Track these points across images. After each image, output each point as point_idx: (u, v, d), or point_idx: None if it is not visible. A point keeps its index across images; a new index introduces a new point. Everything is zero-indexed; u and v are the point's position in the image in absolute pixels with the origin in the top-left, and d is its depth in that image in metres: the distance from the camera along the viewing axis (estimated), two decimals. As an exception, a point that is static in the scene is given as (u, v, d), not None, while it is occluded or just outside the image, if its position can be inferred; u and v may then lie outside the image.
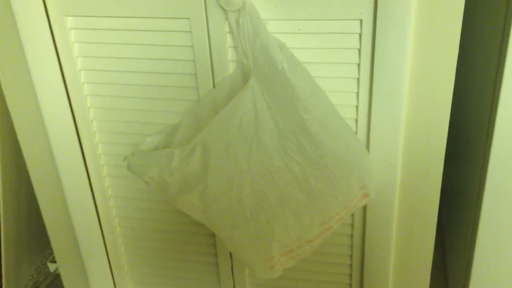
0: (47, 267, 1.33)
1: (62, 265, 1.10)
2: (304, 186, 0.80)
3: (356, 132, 0.82)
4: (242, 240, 0.85)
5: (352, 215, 0.90)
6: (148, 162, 0.86)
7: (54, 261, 1.28)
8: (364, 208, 0.88)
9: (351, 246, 0.93)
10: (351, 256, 0.94)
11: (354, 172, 0.80)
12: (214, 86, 0.82)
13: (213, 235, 0.98)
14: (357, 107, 0.80)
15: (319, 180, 0.79)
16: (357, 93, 0.79)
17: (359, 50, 0.75)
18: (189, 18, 0.77)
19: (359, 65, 0.76)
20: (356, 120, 0.81)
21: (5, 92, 0.91)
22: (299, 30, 0.76)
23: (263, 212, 0.82)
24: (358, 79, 0.78)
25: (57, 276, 1.29)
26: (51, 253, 1.30)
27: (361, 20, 0.73)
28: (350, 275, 0.97)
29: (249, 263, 0.88)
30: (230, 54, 0.79)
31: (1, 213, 1.13)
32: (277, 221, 0.82)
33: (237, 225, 0.84)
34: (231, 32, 0.77)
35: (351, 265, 0.95)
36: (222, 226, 0.86)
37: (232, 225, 0.85)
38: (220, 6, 0.74)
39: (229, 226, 0.85)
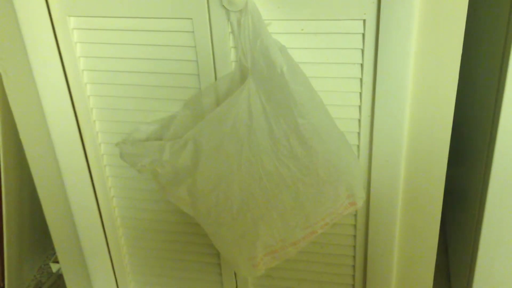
0: (50, 268, 1.33)
1: (64, 265, 1.10)
2: (292, 190, 0.80)
3: (359, 132, 0.82)
4: (227, 237, 0.86)
5: (355, 215, 0.90)
6: (141, 152, 0.86)
7: (56, 262, 1.28)
8: (367, 209, 0.87)
9: (354, 246, 0.93)
10: (354, 256, 0.94)
11: (343, 179, 0.80)
12: (216, 86, 0.83)
13: (215, 236, 0.98)
14: (360, 107, 0.80)
15: (308, 185, 0.79)
16: (360, 93, 0.79)
17: (362, 50, 0.75)
18: (191, 19, 0.77)
19: (362, 65, 0.76)
20: (359, 120, 0.81)
21: (8, 92, 0.91)
22: (301, 30, 0.75)
23: (250, 212, 0.82)
24: (361, 79, 0.77)
25: (59, 277, 1.29)
26: (54, 253, 1.31)
27: (364, 20, 0.73)
28: (353, 276, 0.97)
29: (233, 260, 0.88)
30: (233, 54, 0.79)
31: (4, 213, 1.13)
32: (262, 222, 0.82)
33: (223, 222, 0.84)
34: (232, 32, 0.77)
35: (354, 266, 0.95)
36: (209, 222, 0.86)
37: (218, 222, 0.85)
38: (223, 6, 0.74)
39: (215, 223, 0.85)
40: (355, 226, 0.91)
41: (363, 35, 0.74)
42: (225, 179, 0.82)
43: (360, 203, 0.82)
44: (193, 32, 0.78)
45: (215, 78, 0.81)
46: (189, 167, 0.83)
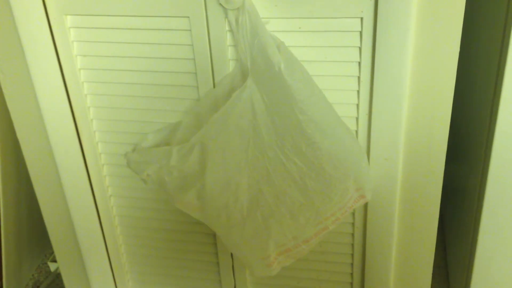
0: (48, 267, 1.33)
1: (62, 264, 1.10)
2: (301, 186, 0.80)
3: (357, 131, 0.82)
4: (239, 238, 0.86)
5: (353, 214, 0.89)
6: (147, 159, 0.86)
7: (54, 261, 1.28)
8: (365, 207, 0.87)
9: (352, 245, 0.93)
10: (352, 255, 0.94)
11: (351, 173, 0.79)
12: (214, 85, 0.82)
13: (213, 234, 0.98)
14: (357, 105, 0.80)
15: (315, 180, 0.79)
16: (358, 91, 0.78)
17: (360, 48, 0.75)
18: (188, 17, 0.77)
19: (359, 63, 0.76)
20: (357, 119, 0.81)
21: (5, 92, 0.91)
22: (299, 28, 0.75)
23: (260, 210, 0.82)
24: (358, 77, 0.77)
25: (57, 276, 1.29)
26: (52, 252, 1.31)
27: (361, 18, 0.73)
28: (351, 274, 0.97)
29: (247, 261, 0.88)
30: (230, 52, 0.79)
31: (2, 212, 1.12)
32: (273, 220, 0.82)
33: (234, 224, 0.84)
34: (231, 30, 0.76)
35: (352, 264, 0.95)
36: (220, 224, 0.86)
37: (229, 224, 0.85)
38: (220, 4, 0.74)
39: (226, 225, 0.85)
40: (353, 224, 0.91)
41: (361, 33, 0.74)
42: (233, 179, 0.82)
43: (369, 195, 0.82)
44: (190, 30, 0.78)
45: (212, 76, 0.81)
46: (197, 171, 0.83)
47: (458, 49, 0.73)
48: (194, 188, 0.84)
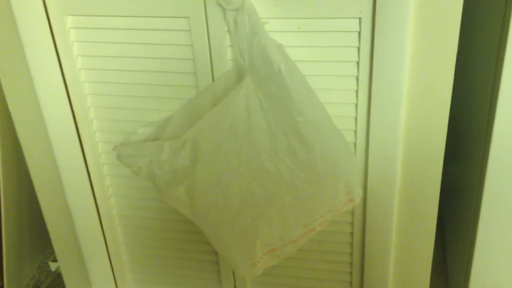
0: (49, 266, 1.33)
1: (63, 264, 1.10)
2: (291, 187, 0.80)
3: (355, 130, 0.82)
4: (226, 237, 0.86)
5: (352, 213, 0.90)
6: (138, 153, 0.86)
7: (55, 260, 1.28)
8: (364, 206, 0.88)
9: (351, 244, 0.93)
10: (351, 254, 0.94)
11: (342, 176, 0.80)
12: (213, 85, 0.83)
13: (213, 234, 0.98)
14: (356, 105, 0.80)
15: (307, 182, 0.79)
16: (356, 91, 0.79)
17: (358, 48, 0.75)
18: (188, 17, 0.77)
19: (358, 63, 0.76)
20: (356, 118, 0.81)
21: (6, 92, 0.91)
22: (298, 28, 0.76)
23: (249, 210, 0.82)
24: (357, 77, 0.78)
25: (58, 275, 1.29)
26: (53, 252, 1.31)
27: (360, 18, 0.73)
28: (351, 273, 0.97)
29: (232, 259, 0.88)
30: (230, 53, 0.79)
31: (3, 212, 1.13)
32: (262, 220, 0.82)
33: (222, 222, 0.84)
34: (229, 31, 0.77)
35: (351, 263, 0.96)
36: (208, 221, 0.86)
37: (217, 221, 0.85)
38: (220, 4, 0.74)
39: (214, 222, 0.85)
40: (352, 223, 0.91)
41: (359, 33, 0.74)
42: (224, 178, 0.82)
43: (358, 199, 0.82)
44: (189, 30, 0.78)
45: (212, 77, 0.82)
46: (188, 167, 0.84)
47: (456, 49, 0.73)
48: (184, 184, 0.84)
